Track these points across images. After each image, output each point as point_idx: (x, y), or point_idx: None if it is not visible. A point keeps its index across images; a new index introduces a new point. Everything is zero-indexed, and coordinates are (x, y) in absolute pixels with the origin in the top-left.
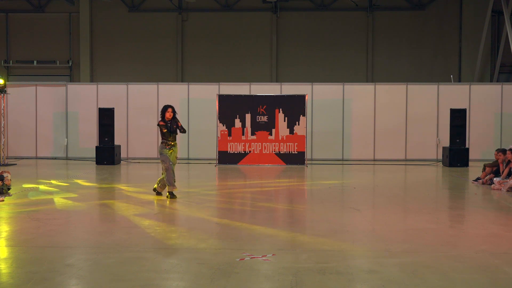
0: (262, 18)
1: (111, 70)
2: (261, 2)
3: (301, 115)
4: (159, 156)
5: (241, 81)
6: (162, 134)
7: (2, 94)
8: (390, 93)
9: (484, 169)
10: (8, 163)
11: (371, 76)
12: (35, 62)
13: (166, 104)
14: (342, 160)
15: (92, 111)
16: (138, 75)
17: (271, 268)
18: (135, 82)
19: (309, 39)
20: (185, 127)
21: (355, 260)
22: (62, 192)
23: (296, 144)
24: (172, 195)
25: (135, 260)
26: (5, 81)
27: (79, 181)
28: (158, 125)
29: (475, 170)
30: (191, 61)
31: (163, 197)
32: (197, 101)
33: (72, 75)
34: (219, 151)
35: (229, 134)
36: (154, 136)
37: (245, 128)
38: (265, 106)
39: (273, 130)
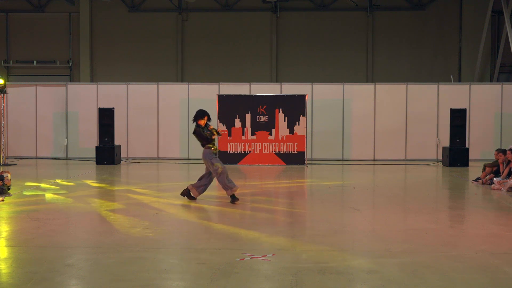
0: (262, 18)
1: (111, 70)
2: (261, 2)
3: (301, 115)
4: (210, 161)
5: (241, 81)
6: (205, 139)
7: (2, 94)
8: (390, 93)
9: (484, 169)
10: (8, 163)
11: (371, 76)
12: (35, 62)
13: (202, 109)
14: (342, 160)
15: (92, 111)
16: (138, 75)
17: (271, 268)
18: (135, 82)
19: (309, 39)
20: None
21: (355, 260)
22: (62, 192)
23: (296, 144)
24: (234, 198)
25: (135, 260)
26: (5, 81)
27: (79, 181)
28: (207, 130)
29: (475, 170)
30: (191, 61)
31: (165, 198)
32: (197, 101)
33: (72, 75)
34: (219, 151)
35: (229, 134)
36: (154, 136)
37: (245, 128)
38: (265, 106)
39: (273, 130)
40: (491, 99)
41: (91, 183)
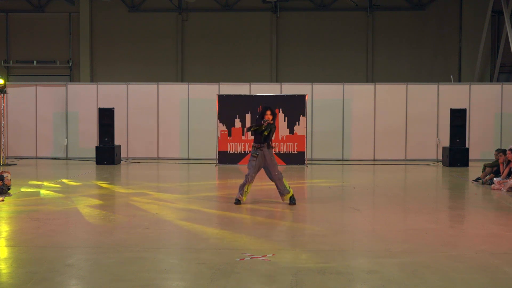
0: (262, 18)
1: (111, 70)
2: (261, 2)
3: (301, 115)
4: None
5: (241, 81)
6: (259, 134)
7: (2, 94)
8: (390, 93)
9: (484, 169)
10: (8, 163)
11: (371, 76)
12: (35, 62)
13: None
14: (342, 160)
15: (92, 111)
16: (138, 75)
17: (271, 268)
18: (135, 82)
19: (309, 39)
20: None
21: (355, 260)
22: (62, 192)
23: (296, 144)
24: (292, 201)
25: (135, 260)
26: (5, 81)
27: (79, 181)
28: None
29: (475, 170)
30: (191, 61)
31: (165, 198)
32: (197, 101)
33: (72, 75)
34: (219, 151)
35: (229, 134)
36: (154, 136)
37: (245, 128)
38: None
39: None
40: (491, 99)
41: (91, 183)
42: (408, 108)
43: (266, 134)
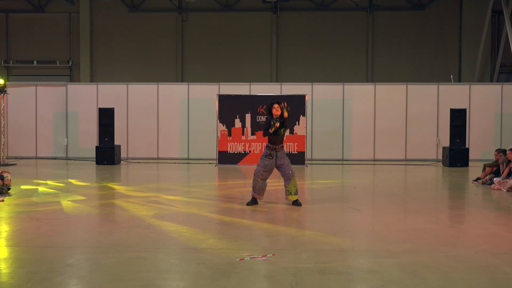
0: (262, 18)
1: (111, 70)
2: (261, 2)
3: (301, 115)
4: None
5: (241, 81)
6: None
7: (2, 94)
8: (390, 93)
9: (484, 169)
10: (8, 163)
11: (371, 76)
12: (35, 62)
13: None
14: (342, 160)
15: (92, 111)
16: (138, 75)
17: (271, 268)
18: (135, 82)
19: (309, 39)
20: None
21: (355, 260)
22: (62, 192)
23: (296, 144)
24: (251, 202)
25: (135, 260)
26: (5, 81)
27: (79, 181)
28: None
29: (475, 170)
30: (191, 61)
31: (165, 198)
32: (197, 101)
33: (72, 75)
34: (219, 151)
35: (229, 134)
36: (154, 136)
37: (245, 128)
38: (265, 106)
39: None
40: (491, 99)
41: (91, 183)
42: (408, 108)
43: (277, 126)
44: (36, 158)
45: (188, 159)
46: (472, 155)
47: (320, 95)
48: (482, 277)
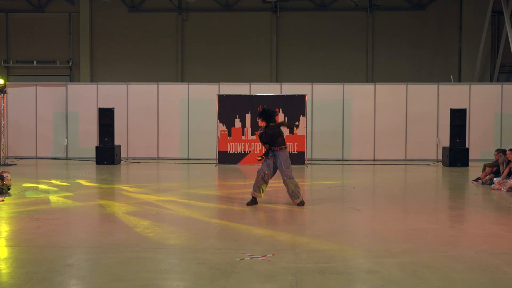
0: (262, 18)
1: (111, 70)
2: (261, 2)
3: (301, 115)
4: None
5: (241, 81)
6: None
7: (2, 94)
8: (390, 93)
9: (484, 169)
10: (8, 163)
11: (371, 76)
12: (35, 62)
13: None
14: (342, 160)
15: (92, 111)
16: (138, 75)
17: (271, 268)
18: (135, 82)
19: (309, 39)
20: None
21: (355, 260)
22: (62, 192)
23: (296, 144)
24: (252, 201)
25: (135, 260)
26: (5, 81)
27: (80, 181)
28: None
29: (475, 170)
30: (191, 61)
31: (165, 198)
32: (197, 101)
33: (72, 75)
34: (219, 151)
35: (229, 134)
36: (154, 136)
37: (245, 128)
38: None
39: None
40: (491, 99)
41: (91, 183)
42: (408, 108)
43: (264, 140)
44: (36, 158)
45: (188, 159)
46: (472, 155)
47: (320, 95)
48: (482, 277)
